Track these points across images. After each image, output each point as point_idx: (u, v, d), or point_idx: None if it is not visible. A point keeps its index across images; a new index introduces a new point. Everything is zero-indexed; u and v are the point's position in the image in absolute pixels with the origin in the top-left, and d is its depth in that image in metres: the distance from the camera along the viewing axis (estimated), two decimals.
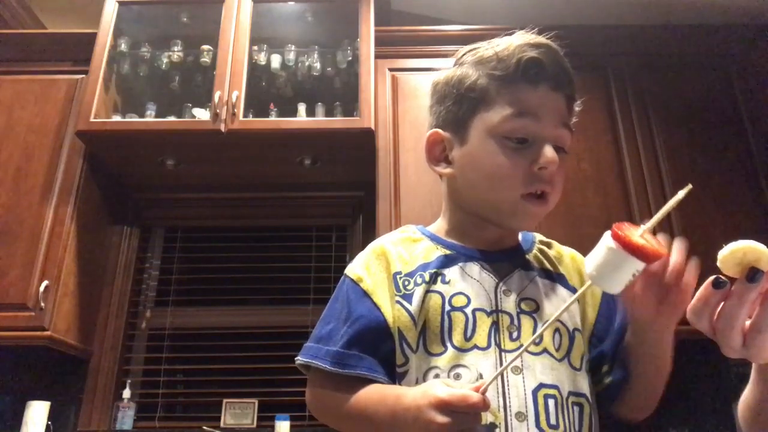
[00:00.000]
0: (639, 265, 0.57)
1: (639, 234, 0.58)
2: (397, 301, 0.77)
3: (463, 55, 0.84)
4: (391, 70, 2.30)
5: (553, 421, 0.69)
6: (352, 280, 0.82)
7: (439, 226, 0.88)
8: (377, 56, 2.26)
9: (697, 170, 2.16)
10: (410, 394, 0.67)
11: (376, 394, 0.73)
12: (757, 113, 2.23)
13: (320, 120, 2.28)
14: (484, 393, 0.62)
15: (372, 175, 2.16)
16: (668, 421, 2.10)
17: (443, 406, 0.62)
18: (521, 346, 0.71)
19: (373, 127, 2.13)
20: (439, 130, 0.84)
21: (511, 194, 0.76)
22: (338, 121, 2.24)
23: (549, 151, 0.75)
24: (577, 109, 0.82)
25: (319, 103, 2.34)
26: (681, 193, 0.57)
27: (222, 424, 2.12)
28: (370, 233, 2.30)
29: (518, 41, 0.78)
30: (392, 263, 0.81)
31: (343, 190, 2.52)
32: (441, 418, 0.62)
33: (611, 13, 2.59)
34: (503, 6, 2.68)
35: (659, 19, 2.53)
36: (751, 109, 2.24)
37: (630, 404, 0.78)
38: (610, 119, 2.24)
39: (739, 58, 2.33)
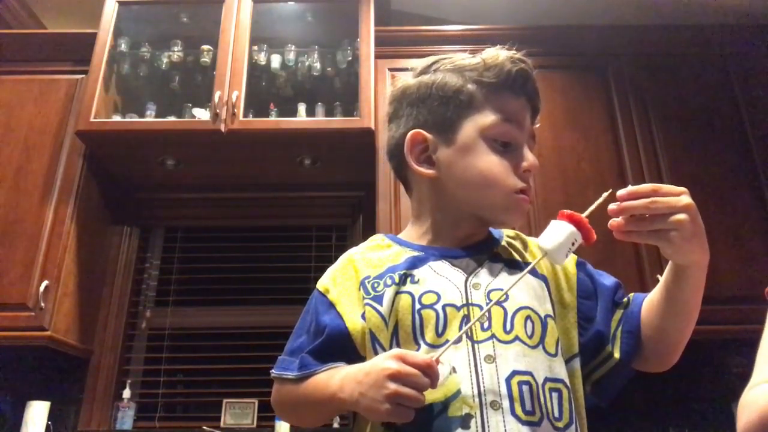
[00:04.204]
0: (578, 236, 0.70)
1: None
2: (367, 303, 0.79)
3: (434, 63, 0.87)
4: (391, 70, 2.30)
5: (528, 407, 0.69)
6: (320, 292, 0.86)
7: (410, 233, 0.89)
8: (377, 56, 2.26)
9: (697, 170, 2.15)
10: (365, 365, 0.71)
11: (323, 376, 0.77)
12: (757, 113, 2.23)
13: (320, 120, 2.28)
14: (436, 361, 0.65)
15: (372, 175, 2.15)
16: (668, 421, 2.10)
17: (397, 371, 0.64)
18: (493, 335, 0.73)
19: (373, 127, 2.13)
20: (422, 131, 0.84)
21: (505, 190, 0.81)
22: (338, 121, 2.24)
23: (532, 156, 0.83)
24: (537, 125, 0.89)
25: (319, 103, 2.34)
26: (605, 195, 0.72)
27: (222, 424, 2.12)
28: (370, 233, 2.27)
29: (505, 54, 0.83)
30: (360, 270, 0.83)
31: (343, 190, 2.52)
32: (393, 385, 0.64)
33: (611, 13, 2.60)
34: (503, 6, 2.68)
35: (659, 19, 2.54)
36: (751, 109, 2.24)
37: (652, 360, 0.82)
38: (610, 119, 2.24)
39: (738, 58, 2.33)
